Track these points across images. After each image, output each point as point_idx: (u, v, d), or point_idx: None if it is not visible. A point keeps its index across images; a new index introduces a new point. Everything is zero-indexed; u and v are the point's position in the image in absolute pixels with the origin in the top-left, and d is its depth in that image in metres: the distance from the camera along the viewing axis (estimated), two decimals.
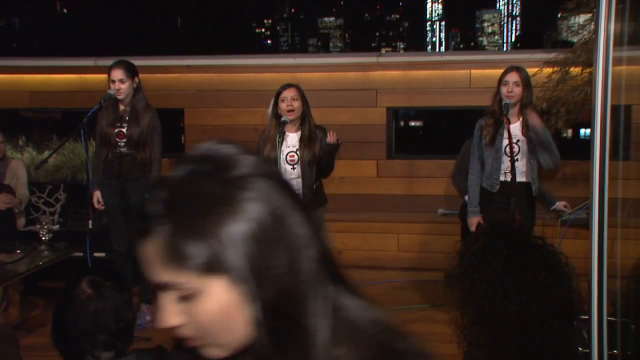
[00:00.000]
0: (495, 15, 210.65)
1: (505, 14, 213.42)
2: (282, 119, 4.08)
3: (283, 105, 4.09)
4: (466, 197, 4.81)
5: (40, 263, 4.40)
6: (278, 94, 4.13)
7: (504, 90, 4.08)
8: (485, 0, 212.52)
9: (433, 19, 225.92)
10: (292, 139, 4.16)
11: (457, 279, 1.74)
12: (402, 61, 6.59)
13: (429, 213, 6.20)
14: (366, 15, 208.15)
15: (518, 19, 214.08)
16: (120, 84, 4.41)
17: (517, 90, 4.06)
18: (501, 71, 4.20)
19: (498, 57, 6.86)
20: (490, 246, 1.70)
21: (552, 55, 5.66)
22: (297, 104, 4.09)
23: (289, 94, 4.09)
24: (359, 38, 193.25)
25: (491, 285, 1.64)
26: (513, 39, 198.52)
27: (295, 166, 4.13)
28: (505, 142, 4.07)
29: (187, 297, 0.83)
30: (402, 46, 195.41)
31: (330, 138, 4.10)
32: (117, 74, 4.42)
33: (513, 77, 4.08)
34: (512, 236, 1.73)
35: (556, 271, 1.66)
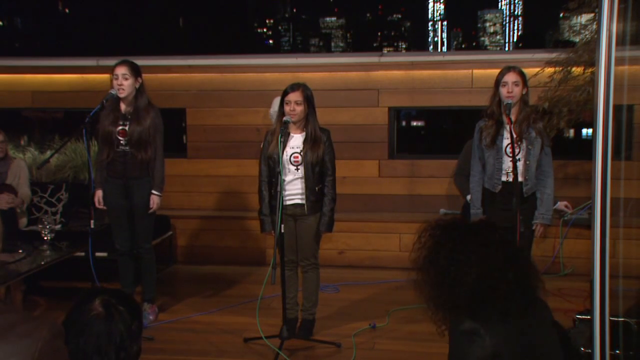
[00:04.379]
0: (497, 15, 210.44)
1: (507, 13, 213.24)
2: (284, 118, 4.09)
3: (287, 108, 4.11)
4: (468, 197, 4.81)
5: (42, 263, 4.40)
6: (285, 93, 4.13)
7: (503, 91, 4.07)
8: (487, 0, 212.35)
9: (435, 19, 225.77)
10: (296, 140, 4.17)
11: (423, 266, 1.89)
12: (404, 61, 6.58)
13: (431, 213, 6.20)
14: (368, 15, 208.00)
15: (520, 18, 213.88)
16: (123, 80, 4.42)
17: (517, 90, 4.06)
18: None
19: (500, 57, 6.86)
20: (442, 234, 1.90)
21: (554, 55, 5.65)
22: (299, 109, 4.09)
23: (293, 97, 4.09)
24: (361, 38, 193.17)
25: (454, 262, 1.83)
26: (515, 39, 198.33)
27: (299, 167, 4.14)
28: (506, 142, 4.07)
29: None
30: (404, 46, 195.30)
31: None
32: (121, 69, 4.44)
33: (512, 77, 4.07)
34: (466, 226, 1.95)
35: (512, 249, 1.88)
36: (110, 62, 4.97)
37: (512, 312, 1.80)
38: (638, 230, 4.97)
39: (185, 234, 6.37)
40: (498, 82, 4.13)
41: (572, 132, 8.61)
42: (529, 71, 4.53)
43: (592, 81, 4.41)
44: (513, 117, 4.05)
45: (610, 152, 1.66)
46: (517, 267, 1.84)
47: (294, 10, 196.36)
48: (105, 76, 6.56)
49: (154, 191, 4.57)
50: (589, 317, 1.73)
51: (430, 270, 1.88)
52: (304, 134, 4.18)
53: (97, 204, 4.61)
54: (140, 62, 4.67)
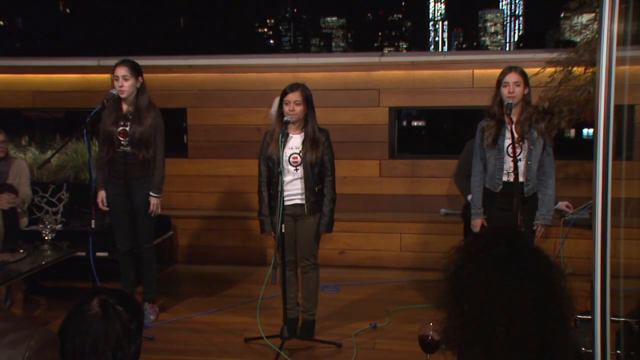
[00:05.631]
0: (498, 15, 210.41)
1: (508, 13, 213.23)
2: (285, 118, 4.09)
3: (286, 108, 4.10)
4: (469, 197, 4.81)
5: (43, 263, 4.40)
6: (284, 94, 4.13)
7: (504, 91, 4.07)
8: (487, 0, 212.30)
9: (436, 19, 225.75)
10: (295, 141, 4.17)
11: (448, 289, 1.70)
12: (404, 61, 6.58)
13: (431, 213, 6.20)
14: (369, 15, 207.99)
15: (521, 18, 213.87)
16: (123, 81, 4.41)
17: (518, 90, 4.06)
18: None
19: (501, 57, 6.85)
20: (481, 261, 1.65)
21: (554, 55, 5.65)
22: (299, 109, 4.09)
23: (292, 97, 4.09)
24: (362, 38, 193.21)
25: (480, 303, 1.61)
26: (516, 39, 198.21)
27: (298, 167, 4.14)
28: (508, 142, 4.07)
29: None
30: (404, 46, 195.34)
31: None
32: (121, 70, 4.43)
33: (513, 77, 4.07)
34: (504, 249, 1.67)
35: (544, 290, 1.61)
36: (111, 62, 4.97)
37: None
38: (639, 230, 4.96)
39: (186, 234, 6.37)
40: (499, 82, 4.12)
41: (573, 132, 8.62)
42: (529, 71, 4.53)
43: (593, 81, 4.41)
44: (515, 117, 4.05)
45: (611, 152, 1.66)
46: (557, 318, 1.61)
47: (295, 10, 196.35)
48: (106, 76, 6.56)
49: (151, 193, 4.57)
50: (589, 317, 1.72)
51: (453, 294, 1.70)
52: (302, 134, 4.17)
53: (100, 205, 4.63)
54: (141, 62, 4.66)
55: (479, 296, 1.62)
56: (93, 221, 4.41)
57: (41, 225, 4.76)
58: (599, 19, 1.66)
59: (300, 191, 4.16)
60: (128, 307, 1.76)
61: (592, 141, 1.71)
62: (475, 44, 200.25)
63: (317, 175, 4.17)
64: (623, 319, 3.01)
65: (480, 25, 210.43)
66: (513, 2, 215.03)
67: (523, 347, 1.58)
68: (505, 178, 4.14)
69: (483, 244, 1.69)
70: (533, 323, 1.59)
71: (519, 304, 1.59)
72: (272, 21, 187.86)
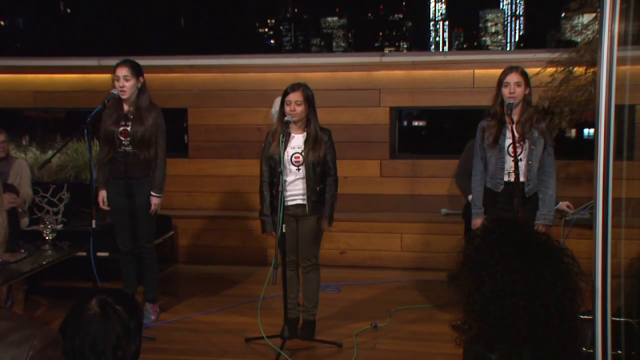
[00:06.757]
0: (499, 15, 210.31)
1: (509, 13, 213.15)
2: (286, 118, 4.09)
3: (287, 108, 4.10)
4: (469, 197, 4.80)
5: (44, 263, 4.41)
6: (285, 94, 4.13)
7: (505, 92, 4.07)
8: (488, 0, 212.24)
9: (436, 19, 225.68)
10: (297, 140, 4.17)
11: (464, 276, 1.72)
12: (405, 61, 6.58)
13: (432, 213, 6.20)
14: (369, 15, 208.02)
15: (521, 18, 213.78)
16: (124, 81, 4.41)
17: (519, 91, 4.06)
18: None
19: (501, 57, 6.84)
20: (495, 242, 1.69)
21: (555, 55, 5.65)
22: (300, 109, 4.09)
23: (293, 97, 4.09)
24: (362, 38, 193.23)
25: (499, 282, 1.64)
26: (516, 39, 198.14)
27: (300, 167, 4.14)
28: (508, 141, 4.07)
29: None
30: (405, 46, 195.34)
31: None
32: (122, 71, 4.43)
33: (514, 77, 4.07)
34: (517, 232, 1.73)
35: (560, 267, 1.67)
36: (111, 62, 4.97)
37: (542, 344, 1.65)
38: (639, 230, 4.95)
39: (186, 234, 6.37)
40: (500, 82, 4.13)
41: (573, 132, 8.61)
42: (530, 71, 4.53)
43: (594, 81, 4.41)
44: (515, 117, 4.05)
45: (612, 152, 1.66)
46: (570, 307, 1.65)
47: (296, 10, 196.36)
48: (107, 76, 6.54)
49: (152, 192, 4.57)
50: (590, 317, 1.72)
51: (467, 285, 1.71)
52: (304, 134, 4.17)
53: (101, 205, 4.63)
54: (142, 62, 4.66)
55: (497, 275, 1.65)
56: (94, 221, 4.42)
57: (42, 225, 4.76)
58: (599, 19, 1.66)
59: (302, 191, 4.15)
60: (127, 307, 1.76)
61: (592, 141, 1.71)
62: (476, 44, 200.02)
63: (320, 175, 4.18)
64: (624, 319, 3.01)
65: (481, 25, 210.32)
66: (514, 2, 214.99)
67: (543, 326, 1.60)
68: (506, 178, 4.14)
69: (496, 228, 1.73)
70: (551, 299, 1.63)
71: (539, 279, 1.63)
72: (273, 21, 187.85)
